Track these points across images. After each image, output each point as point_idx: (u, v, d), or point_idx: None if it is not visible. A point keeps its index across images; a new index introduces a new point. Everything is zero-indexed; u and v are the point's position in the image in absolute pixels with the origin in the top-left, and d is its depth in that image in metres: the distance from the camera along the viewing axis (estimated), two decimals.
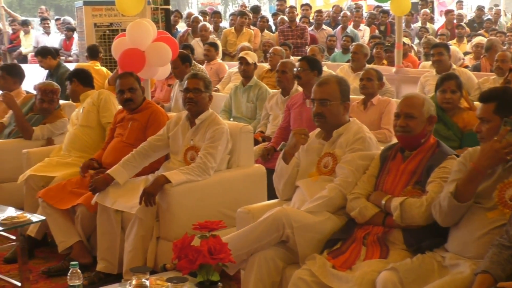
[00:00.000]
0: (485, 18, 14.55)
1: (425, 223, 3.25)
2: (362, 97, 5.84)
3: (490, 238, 2.95)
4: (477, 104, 5.01)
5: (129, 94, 4.94)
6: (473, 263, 2.94)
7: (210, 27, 11.72)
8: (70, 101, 6.26)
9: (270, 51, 8.80)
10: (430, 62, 8.64)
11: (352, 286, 3.06)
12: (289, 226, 3.41)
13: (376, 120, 5.60)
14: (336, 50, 11.54)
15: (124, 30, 6.54)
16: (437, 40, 10.35)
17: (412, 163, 3.45)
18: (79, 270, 2.93)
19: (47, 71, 8.59)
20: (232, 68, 8.99)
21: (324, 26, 12.71)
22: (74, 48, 12.61)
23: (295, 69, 5.90)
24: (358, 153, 3.67)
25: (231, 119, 6.71)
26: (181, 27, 12.95)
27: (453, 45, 10.32)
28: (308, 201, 3.63)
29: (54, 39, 13.50)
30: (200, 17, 12.68)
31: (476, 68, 8.74)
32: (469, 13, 17.35)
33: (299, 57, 9.61)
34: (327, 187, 3.62)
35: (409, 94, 3.62)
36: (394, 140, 5.32)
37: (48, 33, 13.58)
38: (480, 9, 15.35)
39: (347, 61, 9.68)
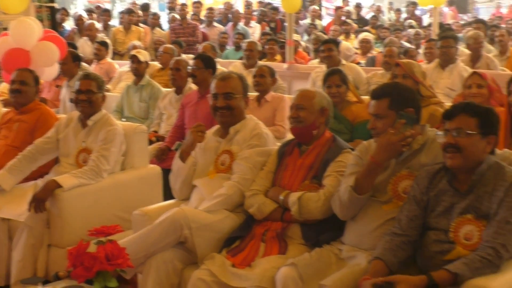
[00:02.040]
0: (368, 15, 15.00)
1: (322, 217, 3.28)
2: (256, 94, 5.84)
3: (385, 229, 3.01)
4: (366, 98, 5.19)
5: (18, 85, 4.75)
6: (369, 254, 2.99)
7: (98, 25, 11.42)
8: None
9: (160, 49, 8.67)
10: (318, 60, 8.83)
11: (252, 284, 3.05)
12: (188, 227, 3.35)
13: (270, 116, 5.62)
14: (228, 47, 11.53)
15: (5, 29, 6.25)
16: (326, 37, 10.55)
17: (309, 158, 3.48)
18: None
19: None
20: (122, 67, 8.80)
21: (215, 24, 12.68)
22: None
23: (189, 67, 5.83)
24: (255, 149, 3.66)
25: (124, 119, 6.54)
26: (70, 25, 12.55)
27: (344, 41, 10.57)
28: (206, 200, 3.58)
29: None
30: (86, 15, 12.33)
31: (371, 61, 8.97)
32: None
33: (191, 55, 9.66)
34: (225, 184, 3.58)
35: (303, 88, 3.67)
36: (289, 137, 5.41)
37: None
38: (358, 6, 15.73)
39: (240, 58, 9.72)
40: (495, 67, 7.35)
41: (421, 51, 9.36)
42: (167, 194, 4.65)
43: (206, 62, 5.64)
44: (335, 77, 4.95)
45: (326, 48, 7.24)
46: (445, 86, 6.40)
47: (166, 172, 4.72)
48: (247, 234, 3.41)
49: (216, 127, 3.92)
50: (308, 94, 3.56)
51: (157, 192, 4.64)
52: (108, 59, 9.40)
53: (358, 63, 8.56)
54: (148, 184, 4.60)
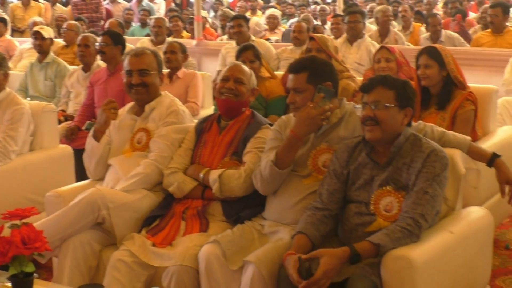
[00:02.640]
0: None
1: (244, 194, 3.27)
2: (167, 70, 5.75)
3: (306, 203, 3.03)
4: (279, 73, 5.20)
5: None
6: (291, 228, 3.00)
7: None
8: None
9: (64, 26, 8.39)
10: (226, 36, 8.80)
11: (175, 263, 3.00)
12: (105, 207, 3.26)
13: (182, 93, 5.54)
14: (133, 24, 11.29)
15: None
16: (233, 13, 10.51)
17: (228, 134, 3.44)
18: None
19: None
20: (23, 44, 8.49)
21: (119, 0, 12.39)
22: None
23: (97, 44, 5.66)
24: (173, 126, 3.58)
25: (28, 98, 6.28)
26: None
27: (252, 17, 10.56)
28: (122, 179, 3.49)
29: None
30: None
31: (288, 35, 8.98)
32: None
33: (94, 31, 9.38)
34: (142, 163, 3.50)
35: (238, 62, 3.66)
36: (202, 114, 5.37)
37: None
38: None
39: (146, 35, 9.55)
40: (403, 42, 7.54)
41: (327, 27, 9.49)
42: (79, 174, 4.53)
43: (115, 38, 5.48)
44: (248, 53, 4.92)
45: (236, 24, 7.22)
46: (353, 61, 6.50)
47: (77, 152, 4.61)
48: (166, 212, 3.36)
49: (130, 104, 3.83)
50: (246, 70, 3.51)
51: (69, 172, 4.51)
52: (7, 36, 9.03)
53: (267, 39, 8.55)
54: (59, 164, 4.46)
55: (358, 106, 2.86)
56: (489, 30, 7.49)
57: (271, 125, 3.44)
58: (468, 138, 3.20)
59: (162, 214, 3.36)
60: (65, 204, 3.41)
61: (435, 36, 7.86)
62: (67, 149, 4.58)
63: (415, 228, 2.65)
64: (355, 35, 6.71)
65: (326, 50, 4.74)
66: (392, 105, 2.79)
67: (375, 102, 2.80)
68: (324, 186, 2.95)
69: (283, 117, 3.30)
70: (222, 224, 3.25)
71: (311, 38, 4.84)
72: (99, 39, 5.57)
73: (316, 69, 3.13)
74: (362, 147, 2.90)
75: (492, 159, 3.14)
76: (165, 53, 5.76)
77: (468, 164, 3.13)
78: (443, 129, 3.19)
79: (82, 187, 3.66)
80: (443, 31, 8.00)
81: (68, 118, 5.79)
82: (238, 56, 4.95)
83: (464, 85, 4.13)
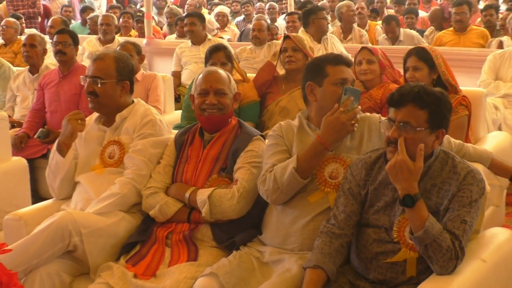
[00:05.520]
0: None
1: (238, 216, 2.89)
2: None
3: (315, 226, 2.67)
4: (251, 76, 4.83)
5: None
6: (299, 257, 2.65)
7: None
8: None
9: (2, 23, 7.81)
10: (175, 35, 8.37)
11: None
12: (77, 233, 2.83)
13: (143, 97, 5.06)
14: (73, 21, 10.71)
15: None
16: (180, 10, 10.09)
17: (214, 148, 3.06)
18: None
19: None
20: None
21: None
22: None
23: (51, 43, 5.15)
24: (149, 139, 3.16)
25: None
26: None
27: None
28: (95, 200, 3.05)
29: None
30: None
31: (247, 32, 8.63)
32: None
33: (33, 30, 8.80)
34: (118, 182, 3.06)
35: (212, 69, 3.20)
36: (165, 119, 4.95)
37: None
38: None
39: (89, 33, 9.03)
40: (366, 40, 7.26)
41: (277, 24, 9.15)
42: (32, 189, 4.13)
43: (74, 38, 5.03)
44: (219, 54, 4.50)
45: (189, 22, 6.82)
46: None
47: (27, 162, 4.18)
48: (147, 238, 2.95)
49: (96, 113, 3.39)
50: (224, 76, 3.11)
51: (24, 188, 4.05)
52: None
53: (220, 38, 8.14)
54: (13, 179, 3.99)
55: (384, 119, 2.49)
56: (451, 28, 7.32)
57: (262, 136, 3.09)
58: (489, 150, 2.91)
59: (143, 239, 2.95)
60: (27, 228, 3.00)
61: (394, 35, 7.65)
62: (21, 162, 4.09)
63: (456, 259, 2.29)
64: (323, 32, 6.38)
65: (303, 49, 4.40)
66: (423, 128, 2.39)
67: (405, 123, 2.39)
68: (339, 207, 2.57)
69: (281, 123, 2.93)
70: (214, 251, 2.86)
71: (287, 37, 4.48)
72: (54, 38, 5.06)
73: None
74: (381, 164, 2.53)
75: None
76: None
77: (491, 180, 2.81)
78: (460, 141, 2.88)
79: (45, 209, 3.23)
80: (402, 30, 7.80)
81: (15, 124, 5.28)
82: (208, 57, 4.55)
83: (456, 88, 3.87)
